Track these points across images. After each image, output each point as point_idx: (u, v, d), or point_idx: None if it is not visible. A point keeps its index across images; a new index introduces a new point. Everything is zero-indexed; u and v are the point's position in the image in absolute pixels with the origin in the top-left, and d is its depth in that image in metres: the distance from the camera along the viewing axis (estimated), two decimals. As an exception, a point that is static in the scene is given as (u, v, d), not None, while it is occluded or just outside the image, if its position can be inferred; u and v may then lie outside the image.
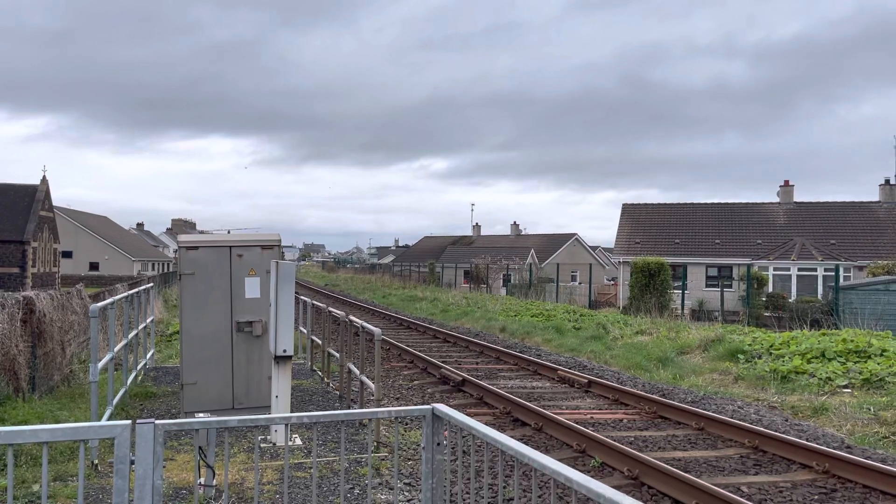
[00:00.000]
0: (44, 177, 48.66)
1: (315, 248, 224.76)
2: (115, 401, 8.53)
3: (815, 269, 36.10)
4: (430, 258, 65.26)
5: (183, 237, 9.43)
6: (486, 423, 9.41)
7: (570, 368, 14.34)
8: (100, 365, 7.39)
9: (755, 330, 18.79)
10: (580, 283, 48.80)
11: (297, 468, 7.05)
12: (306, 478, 6.76)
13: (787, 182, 44.00)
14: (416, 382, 12.86)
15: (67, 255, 65.10)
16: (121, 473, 3.08)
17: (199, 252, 9.10)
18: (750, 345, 15.22)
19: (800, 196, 44.49)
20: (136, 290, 11.61)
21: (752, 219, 42.51)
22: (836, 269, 29.40)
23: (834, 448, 8.41)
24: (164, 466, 3.38)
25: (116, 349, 8.65)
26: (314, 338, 13.60)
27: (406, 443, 8.43)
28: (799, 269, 36.46)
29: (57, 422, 8.28)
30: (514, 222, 75.89)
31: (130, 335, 10.24)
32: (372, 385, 8.62)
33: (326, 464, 7.19)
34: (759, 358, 14.32)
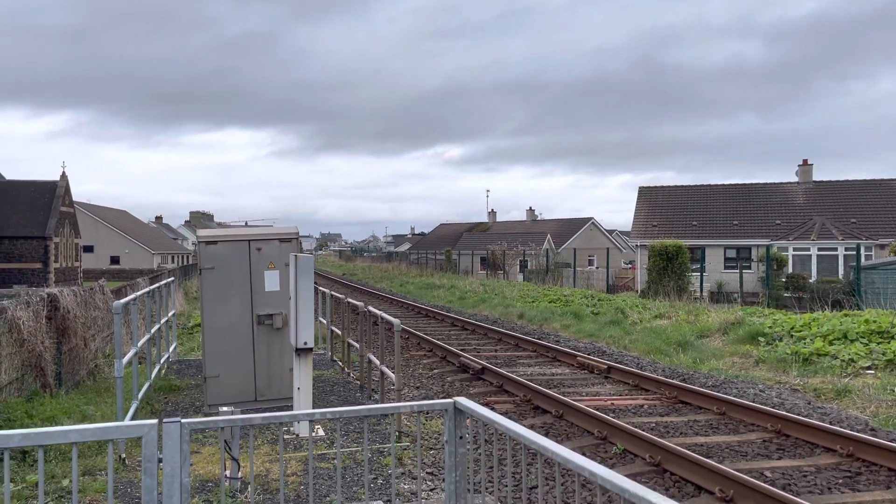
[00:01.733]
0: (63, 173, 49.18)
1: (332, 238, 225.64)
2: (140, 395, 8.65)
3: (836, 249, 35.70)
4: (446, 245, 65.31)
5: (202, 232, 9.50)
6: (506, 412, 9.45)
7: (589, 354, 14.32)
8: (124, 360, 7.49)
9: (775, 312, 18.63)
10: (597, 268, 48.60)
11: (321, 459, 7.13)
12: (329, 468, 6.82)
13: (805, 161, 43.47)
14: (435, 371, 12.91)
15: (89, 249, 65.88)
16: (149, 472, 3.13)
17: (218, 247, 9.18)
18: (770, 327, 15.11)
19: (819, 175, 43.98)
20: (157, 284, 11.73)
21: (771, 199, 42.06)
22: (857, 249, 29.05)
23: (858, 431, 8.35)
24: (190, 463, 3.43)
25: (140, 344, 8.76)
26: (334, 328, 13.68)
27: (427, 432, 8.48)
28: (819, 249, 36.07)
29: (84, 416, 8.42)
30: (530, 208, 75.86)
31: (153, 329, 10.36)
32: (392, 375, 8.67)
33: (349, 454, 7.26)
34: (780, 340, 14.21)
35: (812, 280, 33.22)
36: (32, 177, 53.65)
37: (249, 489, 6.08)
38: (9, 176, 51.17)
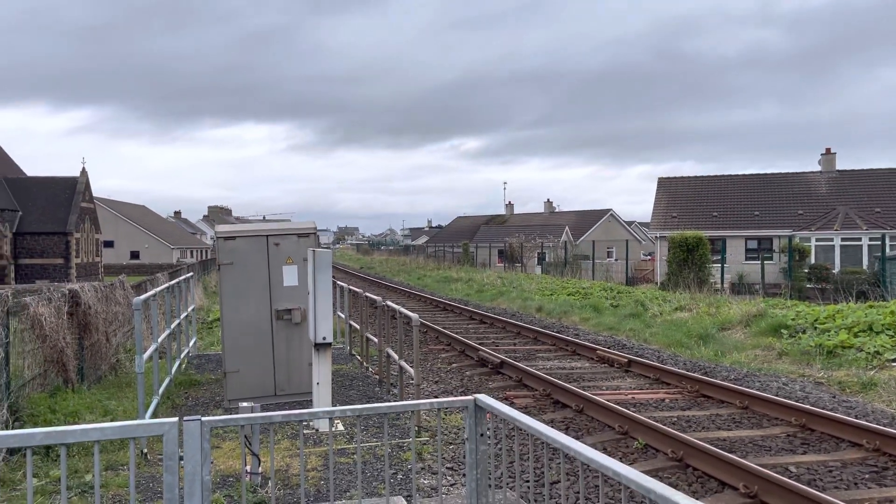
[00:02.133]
0: (83, 169, 49.67)
1: (349, 231, 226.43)
2: (161, 390, 8.70)
3: (860, 239, 35.17)
4: (463, 238, 65.23)
5: (220, 228, 9.53)
6: (526, 406, 9.40)
7: (608, 348, 14.22)
8: (145, 356, 7.53)
9: (798, 303, 18.39)
10: (616, 260, 48.31)
11: (341, 454, 7.13)
12: (349, 463, 6.82)
13: (828, 150, 42.81)
14: (454, 365, 12.88)
15: (109, 244, 66.60)
16: (170, 470, 3.12)
17: (236, 242, 9.20)
18: (793, 319, 14.91)
19: (842, 164, 43.36)
20: (176, 280, 11.80)
21: (793, 189, 41.50)
22: (882, 239, 28.60)
23: (884, 425, 8.21)
24: (211, 462, 3.43)
25: (160, 339, 8.81)
26: (352, 323, 13.69)
27: (447, 426, 8.46)
28: (842, 240, 35.56)
29: (106, 411, 8.48)
30: (548, 199, 75.47)
31: (173, 325, 10.42)
32: (411, 370, 8.65)
33: (369, 449, 7.25)
34: (804, 332, 14.02)
35: (836, 271, 32.78)
36: (53, 173, 54.33)
37: (270, 484, 6.10)
38: (30, 172, 51.83)
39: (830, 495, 5.83)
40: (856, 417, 8.55)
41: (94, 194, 53.64)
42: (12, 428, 7.15)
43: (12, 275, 44.11)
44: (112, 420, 8.14)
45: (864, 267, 33.05)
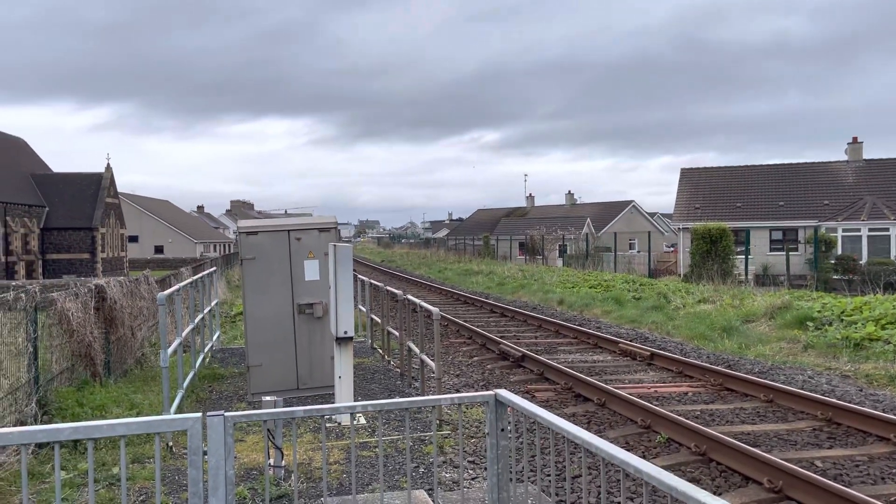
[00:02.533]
0: (108, 164, 50.28)
1: (370, 225, 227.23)
2: (186, 384, 8.81)
3: (888, 229, 34.58)
4: (484, 231, 65.12)
5: (243, 223, 9.60)
6: (547, 400, 9.38)
7: (631, 341, 14.14)
8: (169, 350, 7.63)
9: (824, 295, 18.13)
10: (639, 252, 47.93)
11: (363, 447, 7.17)
12: (371, 456, 6.86)
13: (855, 139, 42.06)
14: (475, 359, 12.89)
15: (133, 239, 67.45)
16: (194, 464, 3.16)
17: (258, 237, 9.27)
18: (819, 311, 14.71)
19: (869, 153, 42.57)
20: (200, 275, 11.92)
21: (819, 179, 40.86)
22: (911, 229, 28.07)
23: (913, 419, 8.08)
24: (234, 457, 3.47)
25: (184, 333, 8.91)
26: (373, 316, 13.75)
27: (468, 420, 8.48)
28: (870, 230, 34.98)
29: (132, 405, 8.61)
30: (569, 191, 74.91)
31: (197, 319, 10.53)
32: (432, 363, 8.67)
33: (391, 443, 7.29)
34: (830, 325, 13.83)
35: (863, 262, 32.27)
36: (78, 169, 55.04)
37: (293, 477, 6.16)
38: (56, 168, 52.58)
39: (857, 490, 5.76)
40: (883, 411, 8.43)
41: (119, 190, 54.31)
42: (41, 421, 7.29)
43: (40, 270, 44.88)
44: (138, 414, 8.26)
45: (892, 258, 32.51)
